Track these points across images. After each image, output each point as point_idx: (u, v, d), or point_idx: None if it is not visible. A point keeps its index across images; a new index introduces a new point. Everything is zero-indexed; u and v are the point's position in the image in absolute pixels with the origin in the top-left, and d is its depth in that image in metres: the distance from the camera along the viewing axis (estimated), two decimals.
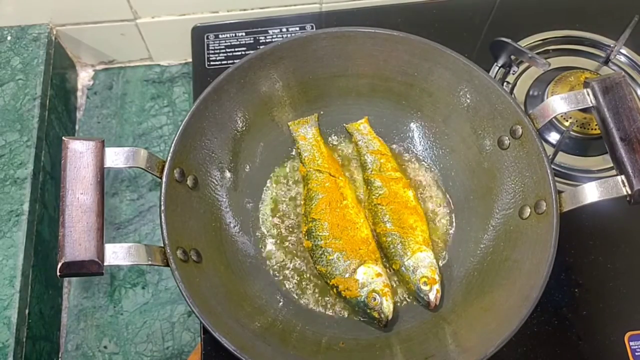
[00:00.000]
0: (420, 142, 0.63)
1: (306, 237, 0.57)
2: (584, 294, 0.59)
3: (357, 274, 0.54)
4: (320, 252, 0.56)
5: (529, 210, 0.52)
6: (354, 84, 0.62)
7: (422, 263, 0.55)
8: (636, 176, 0.45)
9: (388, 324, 0.53)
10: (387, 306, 0.52)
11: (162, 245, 0.48)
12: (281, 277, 0.57)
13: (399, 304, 0.56)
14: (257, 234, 0.59)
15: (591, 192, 0.46)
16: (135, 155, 0.48)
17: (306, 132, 0.62)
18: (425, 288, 0.53)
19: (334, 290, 0.55)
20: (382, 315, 0.52)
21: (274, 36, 0.74)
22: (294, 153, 0.63)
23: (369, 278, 0.53)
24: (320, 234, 0.56)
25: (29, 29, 0.78)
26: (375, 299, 0.52)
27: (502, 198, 0.56)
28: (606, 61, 0.70)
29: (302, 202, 0.60)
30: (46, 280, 0.70)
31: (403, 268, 0.55)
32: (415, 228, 0.57)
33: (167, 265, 0.47)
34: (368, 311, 0.53)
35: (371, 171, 0.60)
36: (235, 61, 0.60)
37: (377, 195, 0.59)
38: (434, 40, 0.56)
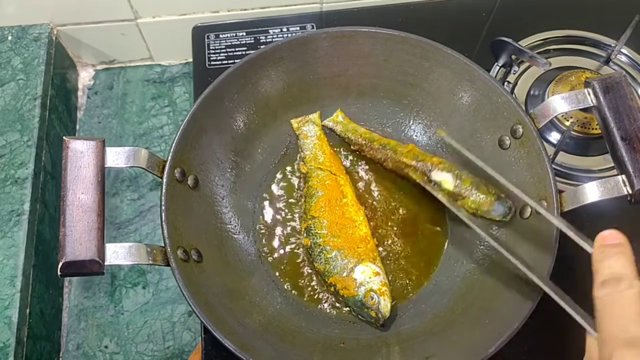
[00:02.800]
0: (421, 141, 0.63)
1: (305, 235, 0.57)
2: (584, 294, 0.59)
3: (355, 272, 0.54)
4: (318, 250, 0.56)
5: (530, 210, 0.52)
6: (354, 84, 0.62)
7: None
8: (637, 176, 0.45)
9: (385, 324, 0.53)
10: (385, 305, 0.52)
11: (163, 244, 0.48)
12: (282, 277, 0.57)
13: (397, 303, 0.56)
14: (257, 233, 0.59)
15: (592, 192, 0.46)
16: (136, 155, 0.48)
17: (308, 130, 0.62)
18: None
19: (332, 288, 0.55)
20: (380, 315, 0.52)
21: (275, 36, 0.74)
22: (294, 152, 0.63)
23: (366, 277, 0.54)
24: (319, 231, 0.56)
25: (30, 29, 0.78)
26: (372, 298, 0.52)
27: None
28: (607, 61, 0.70)
29: (302, 200, 0.60)
30: (47, 280, 0.70)
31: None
32: None
33: (168, 264, 0.47)
34: (365, 310, 0.53)
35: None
36: (235, 61, 0.60)
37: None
38: (434, 40, 0.56)
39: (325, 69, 0.60)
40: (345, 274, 0.54)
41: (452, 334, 0.51)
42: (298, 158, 0.63)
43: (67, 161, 0.45)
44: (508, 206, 0.53)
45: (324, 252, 0.55)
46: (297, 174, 0.62)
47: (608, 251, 0.35)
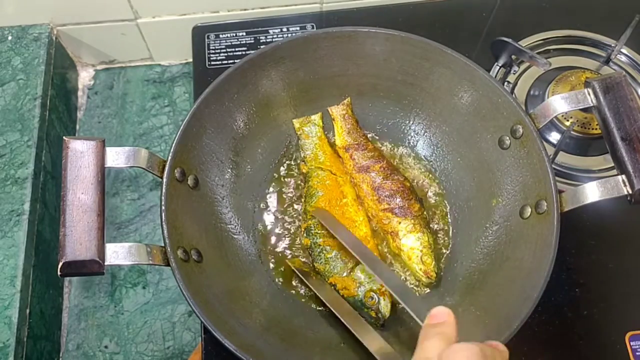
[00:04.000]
0: (420, 141, 0.63)
1: (305, 235, 0.57)
2: (585, 294, 0.59)
3: (355, 272, 0.54)
4: (318, 250, 0.56)
5: (530, 210, 0.52)
6: (354, 84, 0.62)
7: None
8: (637, 176, 0.45)
9: (385, 324, 0.53)
10: (385, 305, 0.52)
11: (163, 244, 0.48)
12: (282, 277, 0.57)
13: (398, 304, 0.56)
14: (257, 233, 0.59)
15: (592, 192, 0.46)
16: (136, 155, 0.48)
17: (310, 131, 0.62)
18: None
19: (332, 288, 0.55)
20: (380, 315, 0.52)
21: (275, 36, 0.74)
22: (294, 152, 0.63)
23: (366, 277, 0.54)
24: (319, 231, 0.56)
25: (30, 28, 0.78)
26: (372, 298, 0.52)
27: (503, 198, 0.56)
28: (607, 61, 0.70)
29: (302, 200, 0.60)
30: (47, 280, 0.70)
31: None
32: None
33: (168, 264, 0.47)
34: (365, 310, 0.53)
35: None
36: (235, 61, 0.60)
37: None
38: (434, 40, 0.56)
39: (325, 69, 0.60)
40: (345, 274, 0.54)
41: None
42: (298, 158, 0.63)
43: (67, 161, 0.45)
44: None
45: (324, 252, 0.55)
46: (297, 174, 0.62)
47: (429, 332, 0.35)
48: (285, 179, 0.62)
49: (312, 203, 0.58)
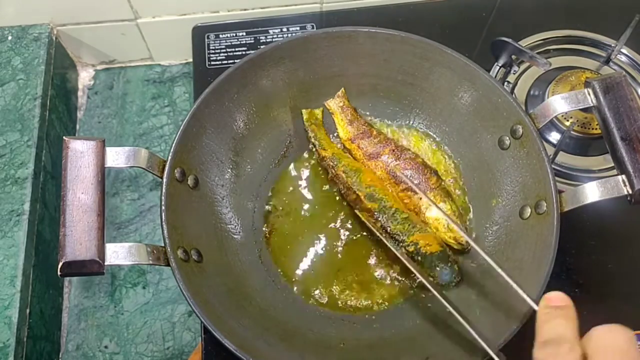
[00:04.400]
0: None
1: (368, 200, 0.56)
2: (584, 294, 0.59)
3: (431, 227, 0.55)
4: (392, 212, 0.55)
5: (530, 210, 0.52)
6: (354, 84, 0.62)
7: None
8: (637, 176, 0.45)
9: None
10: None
11: (163, 244, 0.48)
12: (282, 277, 0.57)
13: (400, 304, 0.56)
14: (257, 233, 0.59)
15: (592, 192, 0.46)
16: (136, 155, 0.48)
17: (316, 122, 0.62)
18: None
19: (412, 248, 0.54)
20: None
21: (275, 36, 0.74)
22: (294, 153, 0.63)
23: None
24: (384, 196, 0.56)
25: (30, 28, 0.78)
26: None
27: (503, 198, 0.56)
28: (607, 61, 0.70)
29: (342, 176, 0.58)
30: (47, 280, 0.70)
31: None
32: None
33: (168, 264, 0.47)
34: (449, 264, 0.53)
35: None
36: (235, 61, 0.60)
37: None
38: (434, 40, 0.56)
39: (325, 69, 0.60)
40: (425, 231, 0.55)
41: (452, 334, 0.51)
42: (300, 156, 0.62)
43: (67, 161, 0.45)
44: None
45: (398, 212, 0.55)
46: (298, 173, 0.62)
47: (552, 312, 0.35)
48: (285, 179, 0.62)
49: (361, 176, 0.57)
